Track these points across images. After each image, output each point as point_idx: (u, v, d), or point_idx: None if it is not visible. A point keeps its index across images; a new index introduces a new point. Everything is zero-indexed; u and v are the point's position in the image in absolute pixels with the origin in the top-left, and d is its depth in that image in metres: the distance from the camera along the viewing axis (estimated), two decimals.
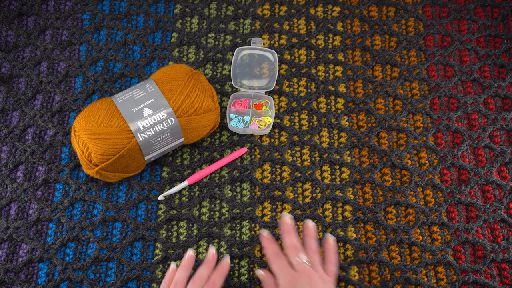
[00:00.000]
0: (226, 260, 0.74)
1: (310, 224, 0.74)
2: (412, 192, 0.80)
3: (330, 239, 0.73)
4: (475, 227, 0.78)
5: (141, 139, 0.73)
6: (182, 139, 0.77)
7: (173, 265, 0.74)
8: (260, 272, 0.73)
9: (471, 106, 0.84)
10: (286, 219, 0.74)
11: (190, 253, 0.75)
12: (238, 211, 0.80)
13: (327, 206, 0.80)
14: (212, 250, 0.75)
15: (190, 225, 0.79)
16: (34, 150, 0.82)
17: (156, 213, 0.80)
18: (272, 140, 0.84)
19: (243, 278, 0.76)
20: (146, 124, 0.73)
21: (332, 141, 0.83)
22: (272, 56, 0.85)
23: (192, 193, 0.81)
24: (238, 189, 0.81)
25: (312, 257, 0.71)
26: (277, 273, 0.70)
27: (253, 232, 0.79)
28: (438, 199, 0.80)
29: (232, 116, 0.83)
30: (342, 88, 0.86)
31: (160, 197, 0.80)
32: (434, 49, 0.88)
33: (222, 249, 0.78)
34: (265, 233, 0.74)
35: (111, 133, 0.72)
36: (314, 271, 0.69)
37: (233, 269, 0.77)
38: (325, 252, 0.73)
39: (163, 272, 0.77)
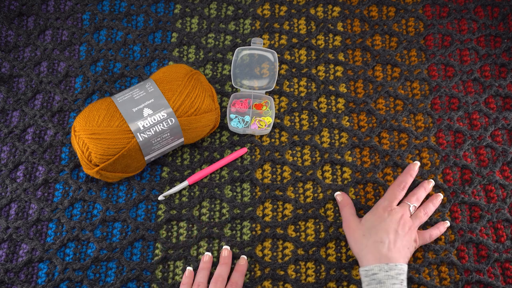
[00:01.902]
0: (244, 259, 0.77)
1: (440, 197, 0.78)
2: None
3: (446, 223, 0.77)
4: (479, 227, 0.77)
5: (141, 139, 0.72)
6: (182, 139, 0.77)
7: (189, 268, 0.76)
8: (338, 193, 0.79)
9: (472, 105, 0.84)
10: (431, 183, 0.79)
11: (208, 254, 0.77)
12: (238, 211, 0.79)
13: (329, 205, 0.80)
14: (227, 248, 0.77)
15: (190, 225, 0.79)
16: (34, 150, 0.82)
17: (156, 213, 0.79)
18: (273, 140, 0.83)
19: (244, 278, 0.76)
20: (146, 124, 0.73)
21: (333, 141, 0.83)
22: (272, 56, 0.85)
23: (192, 193, 0.80)
24: (239, 189, 0.81)
25: (421, 212, 0.75)
26: (385, 195, 0.75)
27: (253, 232, 0.78)
28: (441, 199, 0.79)
29: (232, 116, 0.83)
30: (342, 88, 0.86)
31: (160, 197, 0.79)
32: (434, 49, 0.87)
33: None
34: (416, 167, 0.78)
35: (111, 133, 0.71)
36: (411, 221, 0.73)
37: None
38: (434, 226, 0.77)
39: (163, 273, 0.76)
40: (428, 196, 0.79)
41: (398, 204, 0.74)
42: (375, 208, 0.74)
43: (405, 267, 0.69)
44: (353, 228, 0.73)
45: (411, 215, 0.74)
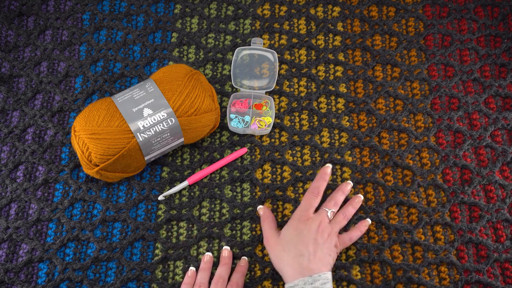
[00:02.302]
0: (245, 259, 0.76)
1: (359, 198, 0.78)
2: (414, 192, 0.80)
3: (366, 221, 0.77)
4: (478, 227, 0.77)
5: (141, 139, 0.72)
6: (182, 139, 0.77)
7: (192, 268, 0.76)
8: (260, 207, 0.78)
9: (472, 105, 0.84)
10: (349, 186, 0.78)
11: (209, 254, 0.77)
12: (238, 211, 0.79)
13: None
14: (227, 248, 0.77)
15: (190, 225, 0.79)
16: (34, 150, 0.82)
17: (156, 213, 0.79)
18: (273, 140, 0.83)
19: (245, 278, 0.76)
20: (146, 124, 0.73)
21: (333, 141, 0.83)
22: (272, 56, 0.85)
23: (192, 193, 0.81)
24: (239, 189, 0.81)
25: (340, 217, 0.74)
26: (301, 205, 0.74)
27: (254, 232, 0.78)
28: (441, 199, 0.79)
29: (232, 116, 0.83)
30: (342, 88, 0.86)
31: (160, 197, 0.79)
32: (434, 49, 0.87)
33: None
34: (328, 170, 0.77)
35: (111, 133, 0.71)
36: (331, 226, 0.72)
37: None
38: (355, 226, 0.76)
39: (163, 273, 0.76)
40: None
41: (315, 211, 0.74)
42: (292, 220, 0.73)
43: (329, 275, 0.68)
44: (273, 243, 0.72)
45: (330, 221, 0.73)
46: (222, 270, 0.74)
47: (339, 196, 0.76)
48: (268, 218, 0.76)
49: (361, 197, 0.78)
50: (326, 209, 0.74)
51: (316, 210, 0.75)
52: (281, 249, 0.71)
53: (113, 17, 0.90)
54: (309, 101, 0.85)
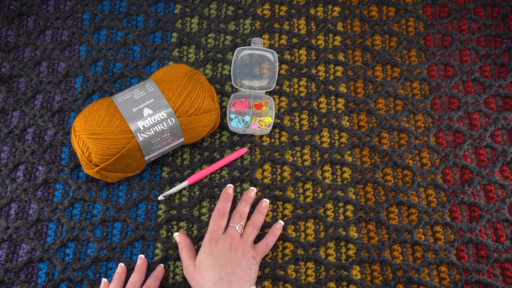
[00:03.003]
0: (161, 266, 0.76)
1: (265, 203, 0.78)
2: (414, 192, 0.80)
3: (279, 224, 0.77)
4: (478, 227, 0.77)
5: (141, 139, 0.72)
6: (182, 139, 0.77)
7: (104, 279, 0.75)
8: (176, 234, 0.76)
9: (472, 105, 0.84)
10: (252, 193, 0.78)
11: (142, 257, 0.76)
12: None
13: (329, 205, 0.80)
14: (142, 256, 0.76)
15: (190, 225, 0.79)
16: (34, 150, 0.82)
17: (156, 213, 0.79)
18: (273, 140, 0.83)
19: None
20: (146, 124, 0.73)
21: (333, 141, 0.83)
22: (272, 56, 0.85)
23: (192, 193, 0.81)
24: (239, 189, 0.81)
25: (250, 228, 0.74)
26: (209, 228, 0.74)
27: None
28: (441, 199, 0.79)
29: (232, 116, 0.83)
30: (342, 88, 0.86)
31: (160, 197, 0.79)
32: (434, 49, 0.87)
33: None
34: (230, 190, 0.78)
35: (111, 133, 0.71)
36: (243, 241, 0.72)
37: None
38: (269, 232, 0.76)
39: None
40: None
41: (225, 231, 0.74)
42: (203, 246, 0.72)
43: None
44: (192, 273, 0.71)
45: (241, 235, 0.73)
46: (135, 278, 0.73)
47: (243, 207, 0.76)
48: (186, 246, 0.74)
49: (267, 201, 0.78)
50: (234, 225, 0.74)
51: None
52: (200, 278, 0.70)
53: (113, 17, 0.90)
54: (309, 101, 0.85)
